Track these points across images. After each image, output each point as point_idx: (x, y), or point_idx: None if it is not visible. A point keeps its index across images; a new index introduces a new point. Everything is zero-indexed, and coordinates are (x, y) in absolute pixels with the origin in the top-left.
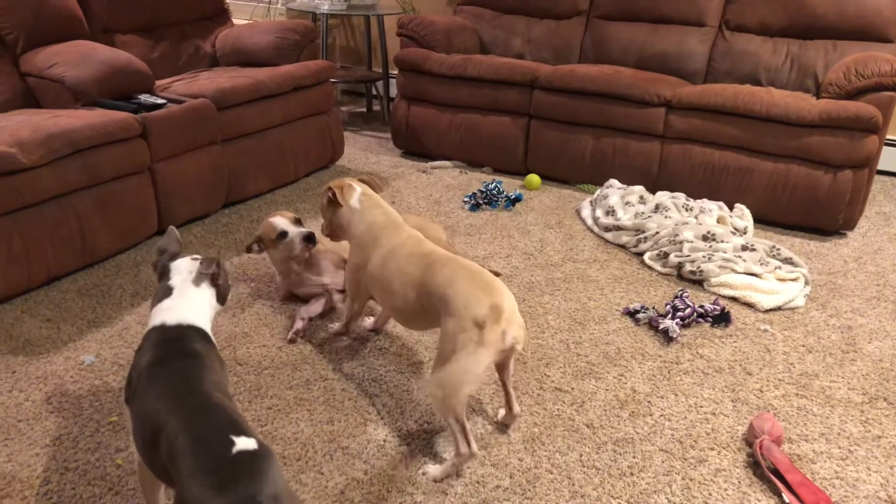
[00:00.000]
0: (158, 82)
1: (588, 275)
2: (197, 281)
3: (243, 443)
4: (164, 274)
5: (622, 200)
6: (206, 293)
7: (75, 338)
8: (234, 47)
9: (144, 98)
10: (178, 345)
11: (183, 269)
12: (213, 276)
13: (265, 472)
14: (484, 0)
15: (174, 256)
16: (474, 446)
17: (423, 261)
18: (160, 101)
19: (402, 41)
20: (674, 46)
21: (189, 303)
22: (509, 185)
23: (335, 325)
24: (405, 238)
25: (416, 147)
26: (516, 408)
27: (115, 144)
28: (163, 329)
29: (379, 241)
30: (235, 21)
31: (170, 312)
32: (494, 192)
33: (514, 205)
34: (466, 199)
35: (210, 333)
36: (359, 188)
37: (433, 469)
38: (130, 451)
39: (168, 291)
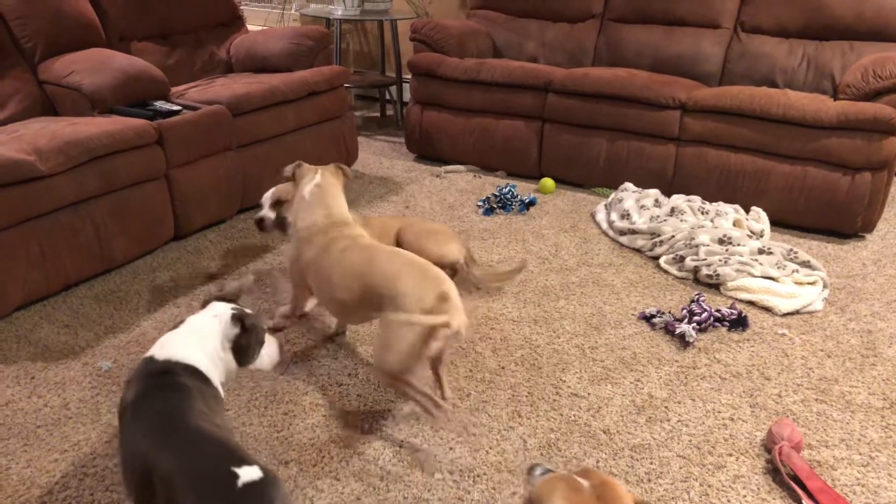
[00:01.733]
0: (174, 89)
1: (603, 279)
2: (216, 328)
3: (247, 473)
4: (203, 306)
5: (637, 204)
6: (217, 338)
7: (93, 344)
8: (248, 53)
9: (160, 105)
10: (162, 379)
11: (207, 311)
12: (237, 336)
13: (276, 502)
14: (497, 4)
15: (223, 298)
16: (441, 402)
17: (364, 254)
18: (176, 107)
19: (416, 46)
20: (688, 49)
21: (189, 342)
22: (523, 189)
23: (282, 308)
24: (344, 235)
25: (429, 151)
26: (447, 393)
27: (131, 151)
28: (149, 362)
29: (312, 241)
30: (250, 27)
31: (162, 348)
32: (508, 196)
33: (528, 209)
34: (480, 204)
35: (212, 379)
36: (317, 178)
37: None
38: None
39: (176, 326)
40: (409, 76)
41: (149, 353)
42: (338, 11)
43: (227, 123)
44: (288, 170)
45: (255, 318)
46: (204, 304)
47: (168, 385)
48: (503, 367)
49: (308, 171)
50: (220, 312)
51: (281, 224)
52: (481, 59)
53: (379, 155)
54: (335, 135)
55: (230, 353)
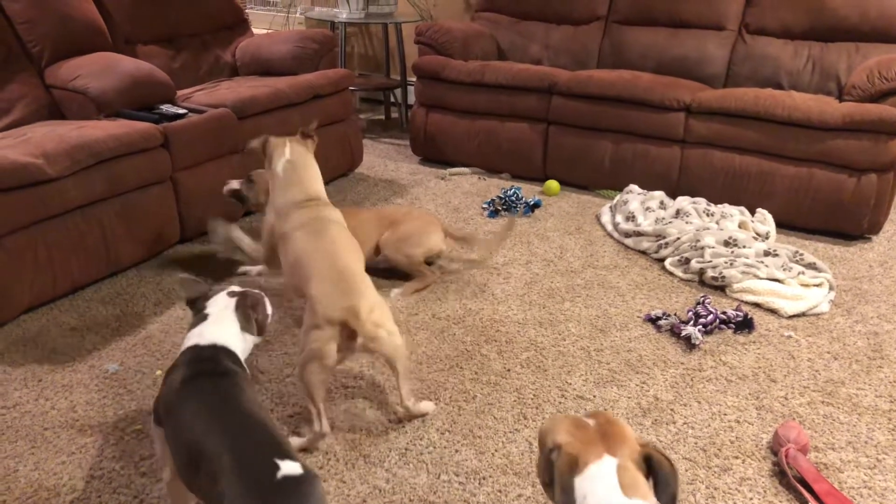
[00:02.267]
0: (180, 92)
1: (608, 281)
2: (235, 312)
3: (288, 467)
4: (200, 311)
5: (642, 206)
6: (237, 322)
7: (99, 346)
8: (253, 57)
9: (166, 108)
10: (211, 364)
11: (219, 301)
12: (250, 309)
13: (310, 499)
14: (501, 6)
15: (207, 296)
16: (325, 427)
17: (314, 243)
18: (181, 111)
19: (420, 49)
20: (693, 51)
21: (223, 328)
22: (528, 192)
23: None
24: (316, 216)
25: (434, 154)
26: (407, 403)
27: (137, 154)
28: (196, 349)
29: (289, 216)
30: (255, 31)
31: (202, 336)
32: (513, 198)
33: (533, 211)
34: (485, 206)
35: (243, 361)
36: (286, 153)
37: (295, 441)
38: (155, 460)
39: (203, 318)
40: (414, 79)
41: (190, 343)
42: (342, 14)
43: (233, 126)
44: (255, 143)
45: (254, 295)
46: (197, 311)
47: (216, 370)
48: (508, 370)
49: (277, 146)
50: (230, 298)
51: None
52: (486, 62)
53: (384, 157)
54: (340, 138)
55: (248, 332)
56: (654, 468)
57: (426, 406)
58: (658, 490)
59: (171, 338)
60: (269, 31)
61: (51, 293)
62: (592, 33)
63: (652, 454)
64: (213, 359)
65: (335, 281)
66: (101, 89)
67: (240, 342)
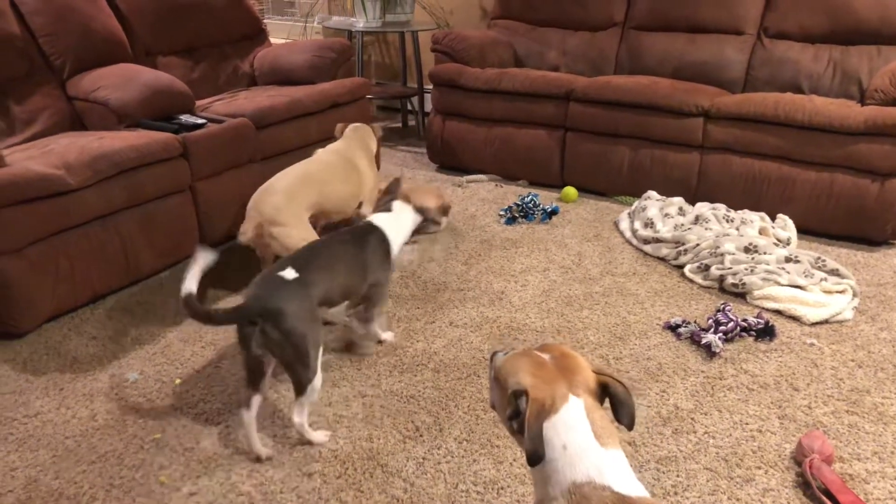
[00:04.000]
0: (199, 102)
1: (627, 288)
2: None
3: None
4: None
5: (661, 212)
6: (409, 221)
7: (119, 355)
8: (271, 66)
9: (185, 118)
10: (359, 230)
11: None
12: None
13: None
14: (518, 13)
15: (395, 197)
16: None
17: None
18: (200, 121)
19: (437, 56)
20: (711, 56)
21: (393, 221)
22: (545, 198)
23: None
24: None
25: (451, 161)
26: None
27: (157, 164)
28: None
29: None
30: (272, 40)
31: (376, 218)
32: (530, 205)
33: (550, 218)
34: (502, 213)
35: (393, 247)
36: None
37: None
38: (174, 469)
39: (388, 209)
40: (431, 87)
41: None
42: (359, 23)
43: (252, 136)
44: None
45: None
46: (383, 205)
47: (357, 232)
48: None
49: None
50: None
51: None
52: (502, 69)
53: (401, 165)
54: None
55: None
56: (611, 392)
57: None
58: (617, 413)
59: (190, 347)
60: (287, 40)
61: (72, 302)
62: (609, 39)
63: (608, 382)
64: (363, 228)
65: (259, 194)
66: (122, 100)
67: (399, 236)
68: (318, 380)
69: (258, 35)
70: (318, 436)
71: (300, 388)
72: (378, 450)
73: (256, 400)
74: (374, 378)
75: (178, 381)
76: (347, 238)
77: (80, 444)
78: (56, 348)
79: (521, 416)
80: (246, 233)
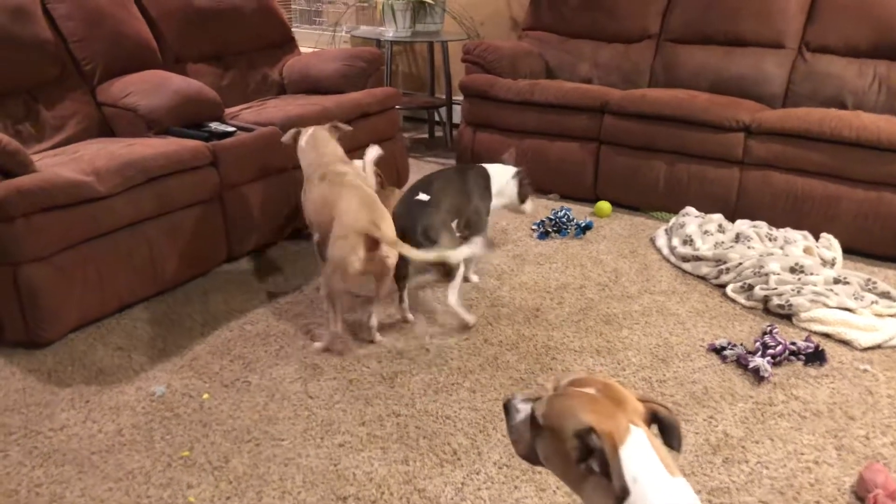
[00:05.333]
0: (228, 110)
1: (667, 308)
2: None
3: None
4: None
5: (700, 229)
6: (510, 176)
7: (146, 367)
8: (301, 75)
9: (215, 126)
10: (465, 166)
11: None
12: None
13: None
14: (549, 25)
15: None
16: (339, 327)
17: (333, 184)
18: (230, 128)
19: (468, 67)
20: (750, 69)
21: (499, 168)
22: (578, 213)
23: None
24: (327, 171)
25: None
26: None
27: (186, 172)
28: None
29: (308, 175)
30: (301, 49)
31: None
32: (564, 219)
33: (584, 233)
34: (535, 227)
35: (493, 185)
36: (309, 131)
37: (317, 344)
38: (203, 489)
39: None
40: (460, 97)
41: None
42: (389, 33)
43: (281, 145)
44: (286, 138)
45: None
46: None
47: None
48: None
49: (304, 131)
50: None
51: None
52: (535, 81)
53: None
54: (386, 156)
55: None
56: (659, 418)
57: (379, 337)
58: (666, 438)
59: (218, 360)
60: (316, 49)
61: (98, 312)
62: (643, 52)
63: (657, 410)
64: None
65: (361, 203)
66: (151, 107)
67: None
68: (462, 267)
69: (287, 43)
70: (470, 317)
71: (449, 273)
72: (414, 473)
73: (405, 293)
74: (407, 397)
75: (206, 395)
76: (456, 169)
77: (106, 459)
78: (82, 359)
79: (597, 455)
80: (359, 256)
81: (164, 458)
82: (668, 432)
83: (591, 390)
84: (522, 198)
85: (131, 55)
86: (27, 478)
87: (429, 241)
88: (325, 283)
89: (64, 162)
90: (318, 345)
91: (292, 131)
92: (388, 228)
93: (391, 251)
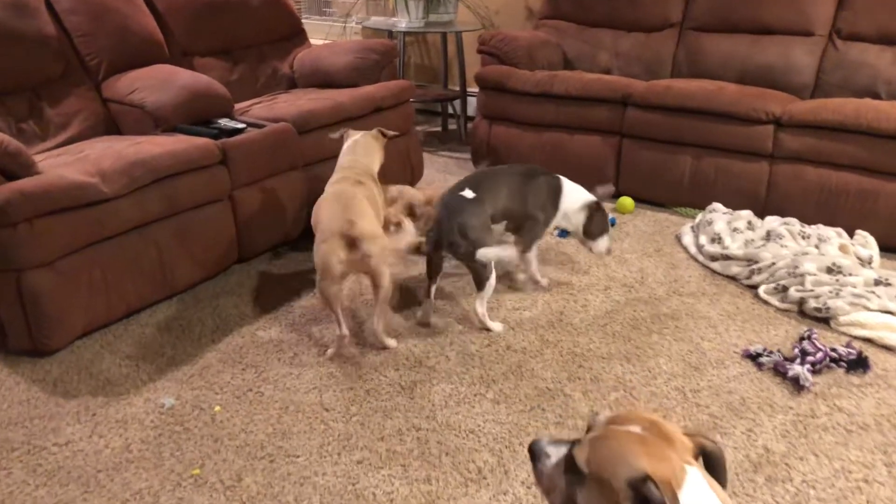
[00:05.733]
0: (237, 105)
1: (697, 310)
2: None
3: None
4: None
5: (729, 227)
6: (580, 215)
7: (155, 377)
8: (312, 68)
9: (224, 122)
10: (533, 168)
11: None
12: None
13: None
14: (567, 13)
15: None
16: (345, 329)
17: (329, 190)
18: (240, 125)
19: (483, 58)
20: (778, 58)
21: (576, 187)
22: None
23: None
24: (343, 176)
25: None
26: (377, 327)
27: (195, 172)
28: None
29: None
30: (311, 41)
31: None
32: None
33: None
34: None
35: (563, 200)
36: (356, 136)
37: (329, 351)
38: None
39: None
40: (474, 89)
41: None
42: (402, 24)
43: (293, 141)
44: (335, 134)
45: (602, 212)
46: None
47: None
48: (597, 413)
49: (353, 133)
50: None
51: None
52: (554, 72)
53: (443, 171)
54: (401, 151)
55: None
56: (706, 453)
57: (390, 342)
58: (713, 473)
59: (230, 369)
60: (326, 41)
61: (105, 318)
62: (665, 41)
63: (705, 444)
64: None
65: (336, 204)
66: (159, 103)
67: (570, 209)
68: (493, 278)
69: (297, 35)
70: (496, 326)
71: (479, 284)
72: (438, 494)
73: (433, 288)
74: (428, 409)
75: (217, 407)
76: (519, 170)
77: (112, 478)
78: (88, 368)
79: None
80: (337, 250)
81: (174, 476)
82: (716, 468)
83: (636, 428)
84: (589, 233)
85: (137, 50)
86: (31, 497)
87: (465, 239)
88: (317, 289)
89: (68, 162)
90: (329, 351)
91: (342, 131)
92: (367, 225)
93: (373, 248)
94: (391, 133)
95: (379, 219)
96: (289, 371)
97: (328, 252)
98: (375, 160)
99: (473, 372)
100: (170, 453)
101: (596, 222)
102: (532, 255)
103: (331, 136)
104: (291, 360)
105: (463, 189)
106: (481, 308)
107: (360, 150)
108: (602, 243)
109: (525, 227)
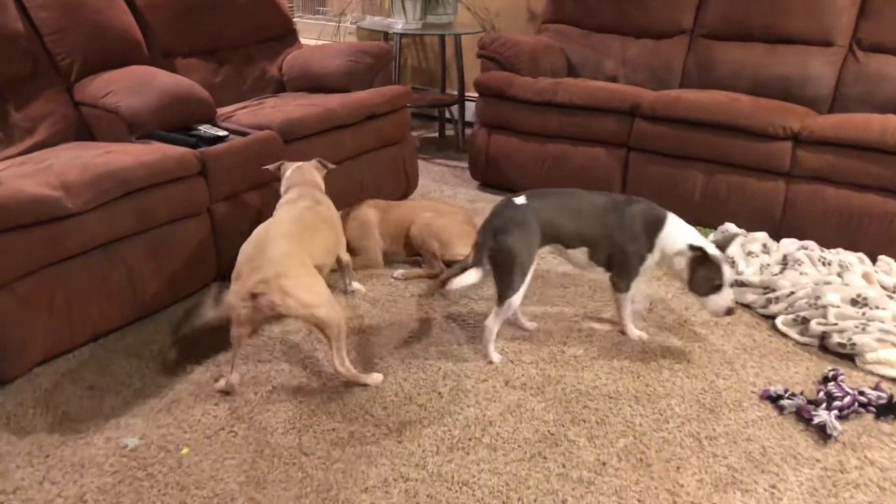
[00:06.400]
0: (221, 110)
1: (711, 343)
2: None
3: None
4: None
5: (743, 250)
6: (681, 260)
7: (119, 412)
8: (302, 71)
9: (205, 130)
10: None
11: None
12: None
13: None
14: (572, 17)
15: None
16: (235, 377)
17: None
18: (222, 132)
19: (483, 63)
20: (795, 69)
21: (686, 227)
22: None
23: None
24: (289, 198)
25: (496, 179)
26: (339, 368)
27: (170, 184)
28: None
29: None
30: (303, 41)
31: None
32: None
33: None
34: None
35: (665, 237)
36: (294, 164)
37: (218, 383)
38: None
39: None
40: (472, 94)
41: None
42: (398, 25)
43: (278, 151)
44: (272, 167)
45: (721, 261)
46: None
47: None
48: (604, 463)
49: (289, 165)
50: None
51: None
52: (558, 79)
53: (440, 182)
54: (395, 161)
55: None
56: None
57: (372, 378)
58: None
59: (202, 404)
60: (319, 41)
61: (68, 343)
62: (675, 48)
63: None
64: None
65: (255, 247)
66: (134, 108)
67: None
68: (516, 299)
69: (288, 36)
70: (496, 356)
71: (500, 299)
72: None
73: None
74: (417, 455)
75: (185, 449)
76: (612, 196)
77: None
78: (46, 401)
79: None
80: (240, 297)
81: None
82: None
83: None
84: (695, 286)
85: (113, 49)
86: None
87: (496, 243)
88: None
89: (29, 173)
90: (219, 384)
91: (278, 163)
92: (277, 274)
93: (286, 299)
94: (331, 165)
95: (338, 241)
96: (265, 406)
97: (235, 295)
98: (322, 183)
99: (468, 412)
100: (129, 502)
101: (702, 274)
102: (625, 297)
103: (267, 168)
104: (269, 395)
105: (520, 196)
106: (493, 325)
107: (306, 171)
108: (715, 302)
109: (615, 261)
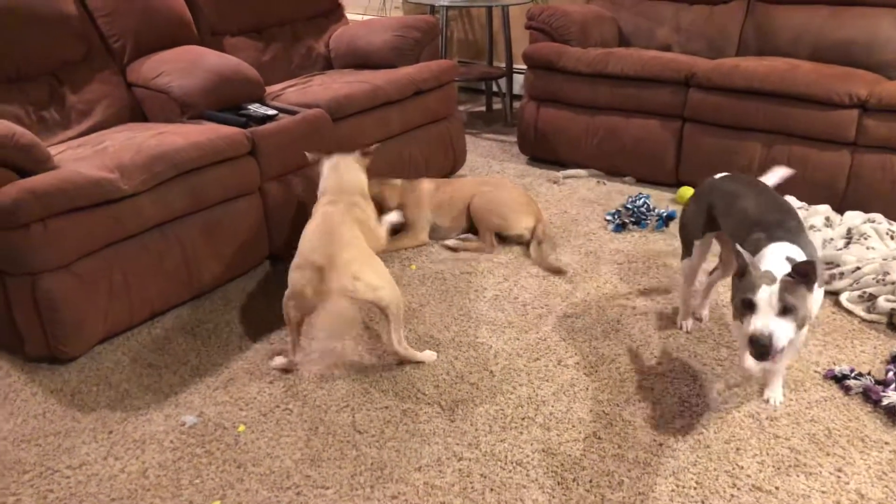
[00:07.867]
0: (269, 89)
1: None
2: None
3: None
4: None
5: (805, 223)
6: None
7: (177, 389)
8: (349, 48)
9: (254, 109)
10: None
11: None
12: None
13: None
14: None
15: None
16: (297, 357)
17: (315, 218)
18: (271, 111)
19: (532, 34)
20: (861, 33)
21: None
22: (657, 199)
23: None
24: (323, 203)
25: (545, 153)
26: (396, 347)
27: (222, 164)
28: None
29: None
30: (349, 16)
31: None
32: (643, 209)
33: (667, 224)
34: (609, 218)
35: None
36: (332, 160)
37: (275, 361)
38: None
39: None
40: (520, 66)
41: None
42: None
43: (328, 129)
44: (311, 157)
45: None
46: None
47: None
48: (661, 444)
49: (326, 162)
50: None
51: None
52: (608, 49)
53: (487, 157)
54: (442, 137)
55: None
56: None
57: (426, 355)
58: None
59: (257, 382)
60: (365, 16)
61: (127, 322)
62: (732, 14)
63: None
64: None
65: (321, 235)
66: (185, 89)
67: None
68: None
69: (334, 12)
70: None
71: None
72: None
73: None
74: (471, 434)
75: (241, 427)
76: (773, 194)
77: None
78: (107, 378)
79: None
80: (311, 284)
81: None
82: None
83: None
84: (781, 308)
85: (163, 29)
86: None
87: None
88: (283, 306)
89: (86, 155)
90: (275, 361)
91: (316, 156)
92: (348, 260)
93: (356, 282)
94: (373, 148)
95: (370, 240)
96: (319, 385)
97: (304, 281)
98: (362, 180)
99: (520, 391)
100: (189, 481)
101: (787, 301)
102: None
103: (306, 154)
104: (322, 373)
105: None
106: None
107: (343, 170)
108: (747, 326)
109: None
